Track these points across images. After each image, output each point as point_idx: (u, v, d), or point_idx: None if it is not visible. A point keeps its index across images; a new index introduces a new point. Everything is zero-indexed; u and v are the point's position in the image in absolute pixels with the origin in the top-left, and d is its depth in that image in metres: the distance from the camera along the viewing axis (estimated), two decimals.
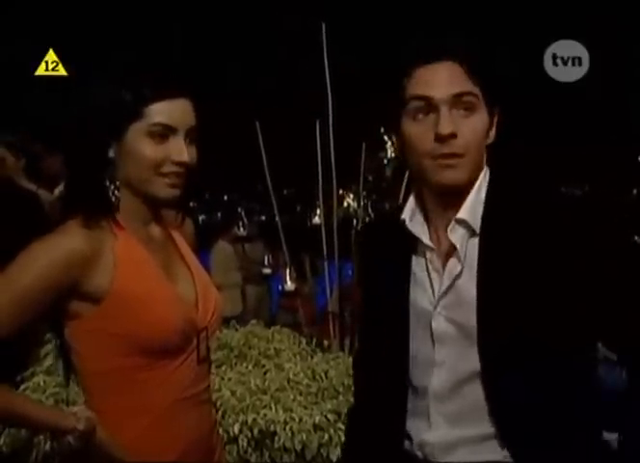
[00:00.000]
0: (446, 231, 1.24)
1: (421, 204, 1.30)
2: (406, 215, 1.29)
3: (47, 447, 2.18)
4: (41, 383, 2.41)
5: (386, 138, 12.24)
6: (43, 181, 3.53)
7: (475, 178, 1.24)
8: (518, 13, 10.21)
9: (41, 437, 2.21)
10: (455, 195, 1.23)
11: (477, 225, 1.23)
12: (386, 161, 11.07)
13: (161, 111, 1.25)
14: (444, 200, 1.25)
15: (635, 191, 15.10)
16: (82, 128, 1.27)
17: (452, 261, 1.24)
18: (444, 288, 1.24)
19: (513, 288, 1.18)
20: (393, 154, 11.53)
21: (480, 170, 1.25)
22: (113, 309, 1.24)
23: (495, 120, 1.26)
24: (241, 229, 5.48)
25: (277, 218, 3.98)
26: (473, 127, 1.19)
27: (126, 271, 1.25)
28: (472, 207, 1.23)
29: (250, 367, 2.61)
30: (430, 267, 1.27)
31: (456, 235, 1.23)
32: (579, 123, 10.86)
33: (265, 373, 2.55)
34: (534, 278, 1.17)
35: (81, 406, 1.29)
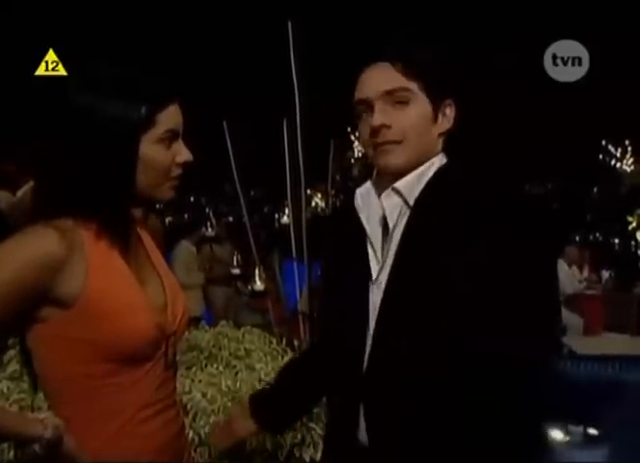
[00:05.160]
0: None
1: (376, 185, 1.42)
2: (358, 193, 1.43)
3: (11, 455, 2.13)
4: (5, 390, 2.35)
5: (352, 137, 12.37)
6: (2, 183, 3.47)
7: (422, 163, 1.37)
8: (518, 13, 10.34)
9: (5, 445, 2.15)
10: (399, 176, 1.36)
11: (411, 201, 1.34)
12: (352, 160, 11.17)
13: (169, 118, 1.26)
14: (390, 181, 1.37)
15: (596, 189, 15.48)
16: (95, 141, 1.24)
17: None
18: (381, 261, 1.36)
19: (423, 267, 1.29)
20: (360, 154, 11.65)
21: (427, 155, 1.37)
22: (82, 315, 1.21)
23: (449, 110, 1.38)
24: (209, 229, 5.46)
25: (245, 218, 3.97)
26: (409, 117, 1.33)
27: (99, 277, 1.23)
28: (410, 183, 1.35)
29: (220, 368, 2.59)
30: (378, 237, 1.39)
31: (387, 201, 1.36)
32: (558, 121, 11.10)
33: (236, 374, 2.53)
34: (445, 262, 1.26)
35: (48, 412, 1.24)
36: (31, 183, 3.72)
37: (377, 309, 1.33)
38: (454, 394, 1.27)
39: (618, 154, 11.35)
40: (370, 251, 1.38)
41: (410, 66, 1.33)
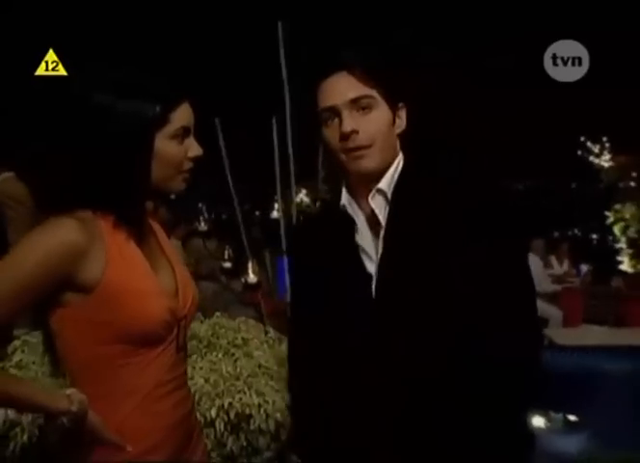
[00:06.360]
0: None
1: (353, 190, 1.50)
2: (344, 200, 1.49)
3: (25, 438, 2.22)
4: None
5: None
6: None
7: (391, 163, 1.47)
8: (518, 14, 10.35)
9: (17, 429, 2.25)
10: (374, 178, 1.45)
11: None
12: None
13: (182, 115, 1.34)
14: (368, 183, 1.46)
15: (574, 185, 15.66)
16: (114, 139, 1.31)
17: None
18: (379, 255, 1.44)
19: (408, 254, 1.39)
20: None
21: (393, 155, 1.48)
22: (102, 299, 1.29)
23: (403, 112, 1.49)
24: (202, 223, 5.51)
25: (237, 213, 4.05)
26: (374, 122, 1.42)
27: (117, 264, 1.31)
28: (390, 182, 1.46)
29: (220, 356, 2.67)
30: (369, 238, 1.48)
31: (375, 202, 1.45)
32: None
33: (235, 361, 2.62)
34: (429, 251, 1.37)
35: (72, 389, 1.32)
36: (6, 175, 3.78)
37: (374, 294, 1.42)
38: (449, 382, 1.36)
39: (596, 151, 11.54)
40: (364, 245, 1.46)
41: (370, 74, 1.42)
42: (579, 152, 11.56)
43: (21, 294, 1.24)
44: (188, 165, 1.39)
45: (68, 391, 1.30)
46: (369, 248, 1.47)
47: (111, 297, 1.29)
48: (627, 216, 10.80)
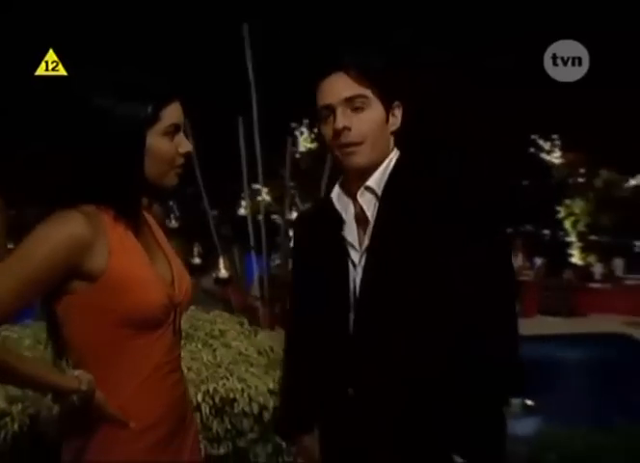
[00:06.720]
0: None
1: (347, 185, 1.60)
2: (334, 195, 1.60)
3: (15, 427, 2.29)
4: None
5: (297, 133, 12.56)
6: None
7: (383, 159, 1.55)
8: (518, 13, 10.35)
9: (7, 419, 2.31)
10: (366, 174, 1.54)
11: (380, 194, 1.53)
12: (298, 155, 11.28)
13: (172, 113, 1.43)
14: (359, 179, 1.55)
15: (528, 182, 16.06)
16: (108, 137, 1.39)
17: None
18: (363, 246, 1.55)
19: (396, 248, 1.48)
20: (304, 149, 11.86)
21: (386, 152, 1.56)
22: (105, 287, 1.38)
23: (398, 111, 1.57)
24: (172, 221, 5.55)
25: (207, 211, 4.15)
26: (367, 121, 1.50)
27: (119, 254, 1.40)
28: (379, 179, 1.54)
29: (199, 346, 2.77)
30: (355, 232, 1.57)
31: (363, 199, 1.54)
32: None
33: (214, 351, 2.71)
34: (413, 242, 1.46)
35: (80, 371, 1.39)
36: None
37: (358, 287, 1.52)
38: (427, 370, 1.45)
39: (547, 148, 11.90)
40: (350, 239, 1.57)
41: (364, 75, 1.50)
42: (532, 150, 11.90)
43: (32, 285, 1.32)
44: (180, 161, 1.47)
45: (76, 372, 1.39)
46: (355, 242, 1.56)
47: (115, 284, 1.38)
48: (577, 211, 11.19)
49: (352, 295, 1.54)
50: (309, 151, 11.69)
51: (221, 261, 3.98)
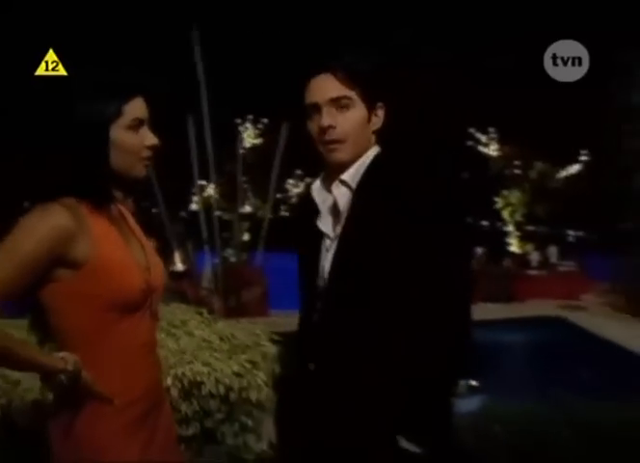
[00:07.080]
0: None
1: (327, 178, 1.75)
2: (315, 186, 1.75)
3: None
4: None
5: (241, 129, 12.55)
6: None
7: (361, 156, 1.68)
8: (518, 13, 10.33)
9: None
10: (345, 168, 1.67)
11: (354, 187, 1.66)
12: (242, 151, 11.29)
13: (135, 108, 1.52)
14: (338, 173, 1.68)
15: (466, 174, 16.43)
16: (77, 132, 1.48)
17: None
18: (334, 236, 1.69)
19: (364, 238, 1.60)
20: (248, 144, 11.90)
21: (364, 149, 1.69)
22: (89, 274, 1.48)
23: (381, 111, 1.71)
24: None
25: (161, 207, 4.22)
26: (350, 120, 1.63)
27: (101, 243, 1.51)
28: (353, 174, 1.67)
29: (163, 336, 2.85)
30: (330, 223, 1.71)
31: (337, 191, 1.67)
32: None
33: (178, 340, 2.81)
34: (381, 234, 1.58)
35: (65, 352, 1.48)
36: None
37: (329, 266, 1.67)
38: (387, 351, 1.57)
39: (484, 141, 12.27)
40: (324, 229, 1.71)
41: (350, 77, 1.62)
42: (470, 143, 12.22)
43: (19, 277, 1.41)
44: (146, 153, 1.56)
45: (62, 354, 1.48)
46: (329, 231, 1.70)
47: (98, 271, 1.49)
48: (514, 201, 11.59)
49: (320, 280, 1.68)
50: (254, 147, 11.74)
51: (176, 256, 4.06)
